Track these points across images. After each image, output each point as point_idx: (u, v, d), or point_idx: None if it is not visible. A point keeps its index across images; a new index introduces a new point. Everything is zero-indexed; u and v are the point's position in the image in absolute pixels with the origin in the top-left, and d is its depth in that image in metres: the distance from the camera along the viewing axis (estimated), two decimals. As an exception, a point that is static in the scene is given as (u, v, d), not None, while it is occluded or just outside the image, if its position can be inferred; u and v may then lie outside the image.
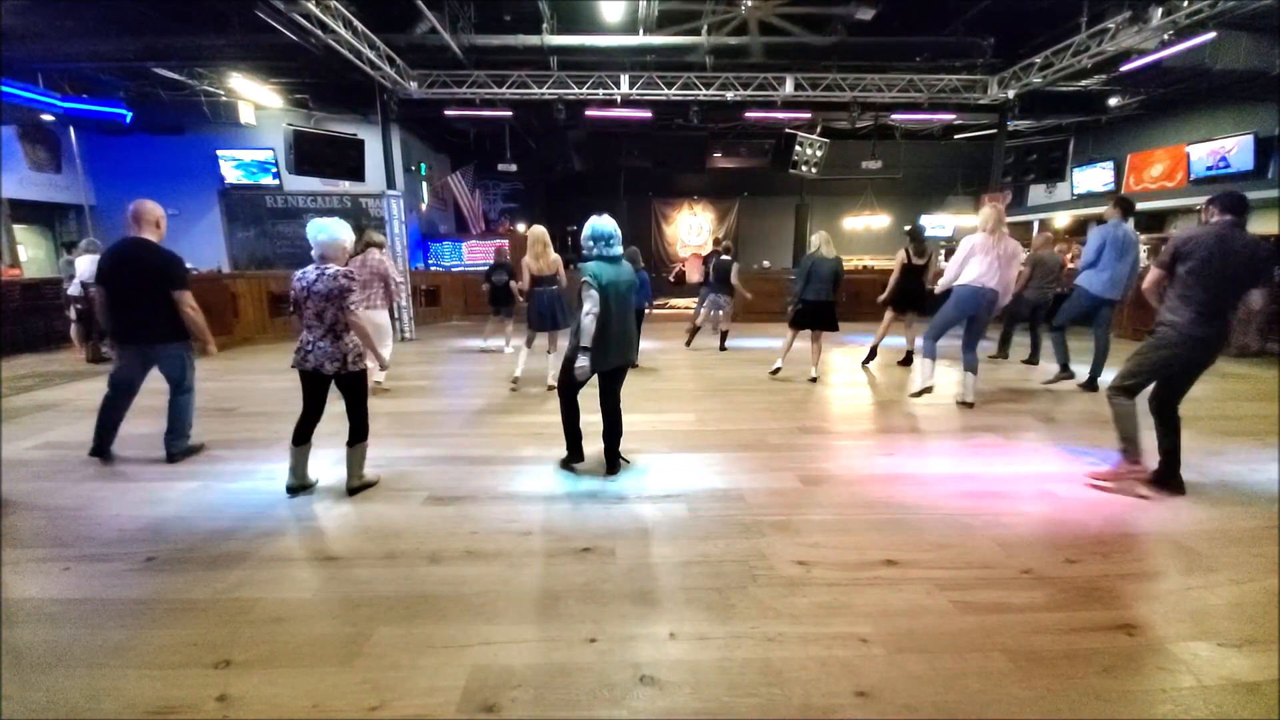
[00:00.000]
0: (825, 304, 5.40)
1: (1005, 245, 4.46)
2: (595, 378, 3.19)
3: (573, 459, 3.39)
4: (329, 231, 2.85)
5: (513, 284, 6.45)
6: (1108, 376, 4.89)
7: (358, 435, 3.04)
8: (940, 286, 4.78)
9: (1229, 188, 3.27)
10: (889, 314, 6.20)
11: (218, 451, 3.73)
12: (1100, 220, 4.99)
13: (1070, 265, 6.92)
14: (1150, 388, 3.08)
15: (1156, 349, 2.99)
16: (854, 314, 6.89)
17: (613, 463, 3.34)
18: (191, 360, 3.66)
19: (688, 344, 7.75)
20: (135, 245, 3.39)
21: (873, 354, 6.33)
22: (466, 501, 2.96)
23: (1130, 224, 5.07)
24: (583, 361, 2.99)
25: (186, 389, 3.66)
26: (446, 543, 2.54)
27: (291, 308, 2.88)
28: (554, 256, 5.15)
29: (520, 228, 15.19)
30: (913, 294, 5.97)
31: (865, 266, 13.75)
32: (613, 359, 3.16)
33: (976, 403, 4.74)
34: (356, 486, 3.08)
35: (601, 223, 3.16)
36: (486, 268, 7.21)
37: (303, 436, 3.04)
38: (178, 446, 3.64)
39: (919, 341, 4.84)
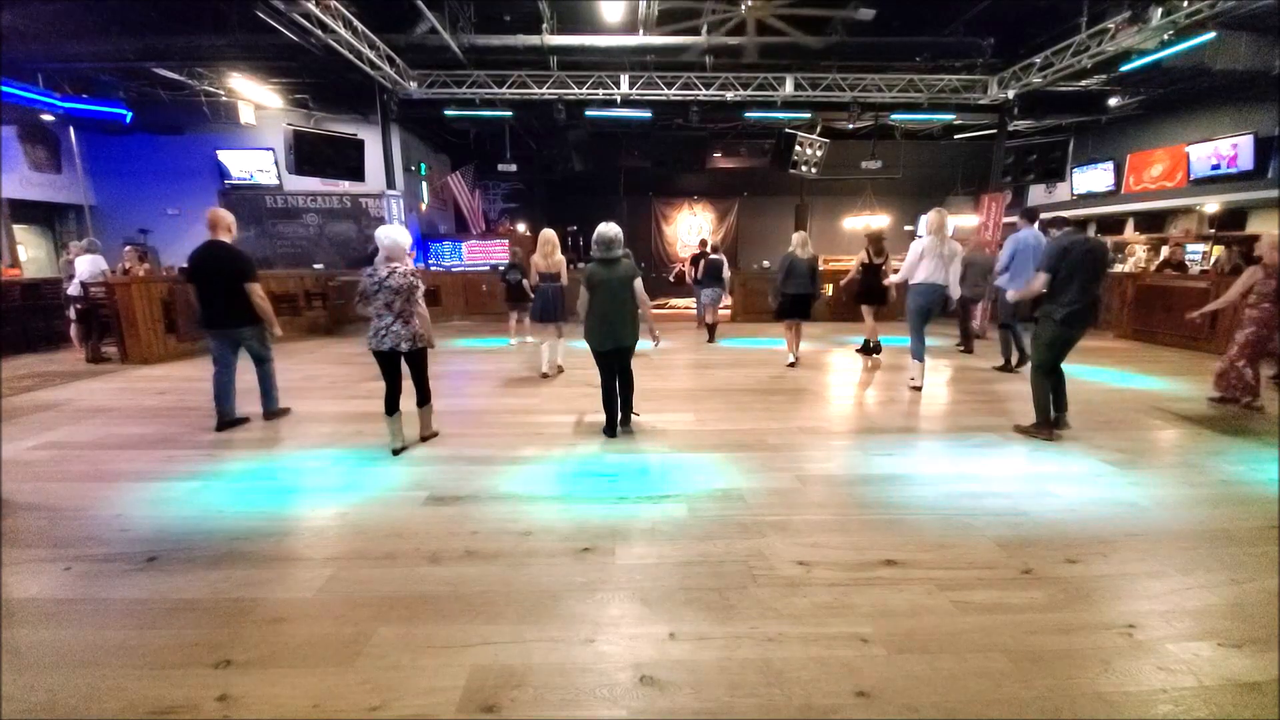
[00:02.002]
0: (804, 296, 6.10)
1: (948, 246, 5.03)
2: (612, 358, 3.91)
3: (609, 429, 4.02)
4: (394, 237, 3.50)
5: (525, 282, 7.02)
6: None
7: (424, 399, 3.79)
8: (894, 280, 5.36)
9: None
10: (864, 308, 6.80)
11: (219, 451, 3.73)
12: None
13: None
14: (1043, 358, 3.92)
15: (1054, 333, 3.79)
16: (856, 313, 7.11)
17: (625, 419, 4.09)
18: (266, 338, 4.33)
19: (709, 339, 8.29)
20: (214, 247, 4.08)
21: (876, 348, 6.77)
22: (467, 501, 2.96)
23: (1036, 229, 5.68)
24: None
25: (267, 360, 4.37)
26: (447, 543, 2.54)
27: (358, 298, 3.51)
28: (559, 258, 5.76)
29: (520, 228, 15.22)
30: (873, 290, 6.57)
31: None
32: (605, 340, 3.82)
33: (975, 402, 4.82)
34: (427, 436, 3.87)
35: (602, 229, 3.79)
36: (503, 267, 7.82)
37: (391, 408, 3.63)
38: (270, 408, 4.41)
39: (914, 347, 5.29)
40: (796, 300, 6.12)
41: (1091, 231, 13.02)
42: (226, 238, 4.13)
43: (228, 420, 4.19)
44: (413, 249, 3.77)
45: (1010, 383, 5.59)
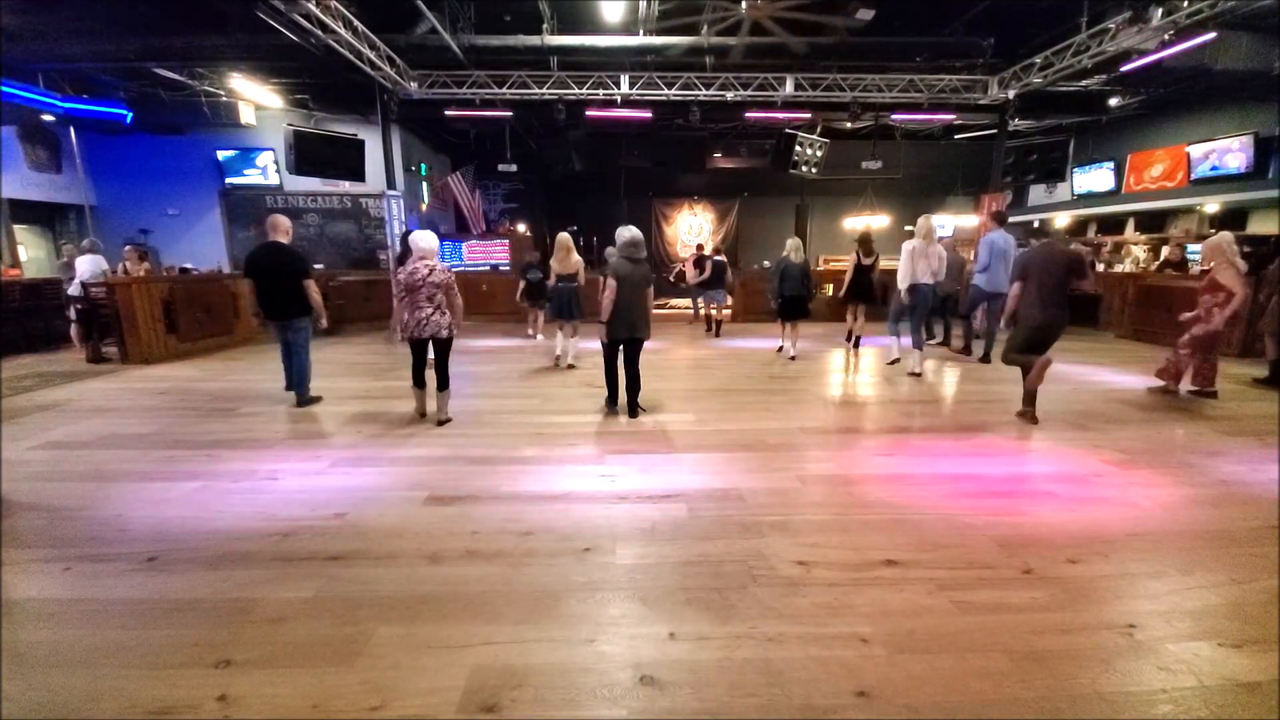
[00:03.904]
0: (799, 298, 6.60)
1: (933, 249, 5.67)
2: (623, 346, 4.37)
3: (611, 402, 4.56)
4: (427, 240, 4.15)
5: (545, 281, 7.38)
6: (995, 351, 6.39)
7: (443, 384, 4.23)
8: (902, 285, 5.79)
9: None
10: (850, 309, 7.36)
11: (219, 451, 3.73)
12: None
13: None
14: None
15: (1025, 332, 4.24)
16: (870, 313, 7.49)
17: (633, 410, 4.44)
18: (310, 332, 4.78)
19: (714, 334, 8.83)
20: (272, 247, 4.54)
21: (856, 342, 7.39)
22: (467, 501, 2.96)
23: (1004, 232, 6.47)
24: (603, 330, 4.28)
25: (304, 353, 4.77)
26: (447, 543, 2.54)
27: (403, 293, 4.03)
28: (576, 259, 6.20)
29: (521, 228, 15.22)
30: (862, 288, 6.98)
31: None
32: (624, 330, 4.25)
33: (973, 402, 4.81)
34: (444, 420, 4.24)
35: (631, 233, 4.26)
36: (523, 266, 8.19)
37: (418, 381, 4.29)
38: (304, 393, 4.80)
39: (893, 339, 6.21)
40: (792, 301, 6.61)
41: (1092, 232, 13.04)
42: (284, 239, 4.60)
43: (305, 400, 4.80)
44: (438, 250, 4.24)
45: (1006, 382, 5.57)
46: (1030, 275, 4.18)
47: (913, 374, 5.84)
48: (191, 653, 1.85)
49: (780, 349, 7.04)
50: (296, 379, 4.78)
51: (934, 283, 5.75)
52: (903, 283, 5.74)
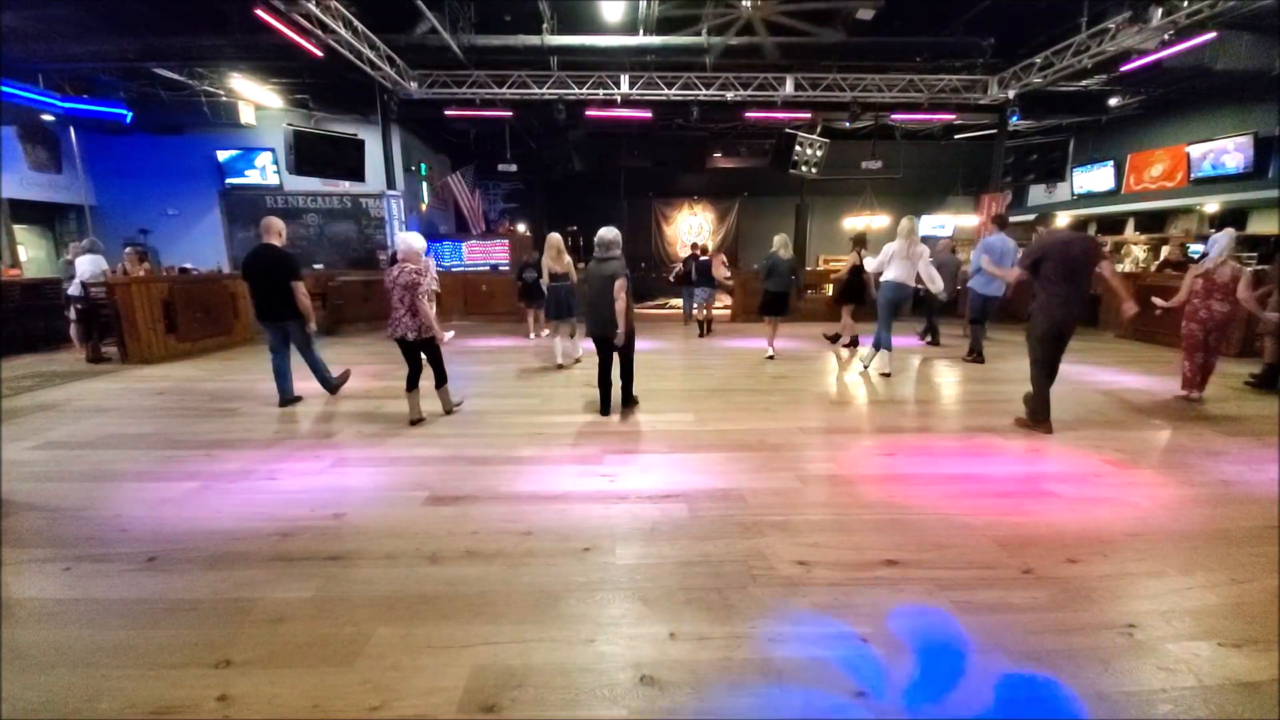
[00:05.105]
0: (783, 294, 6.59)
1: (915, 249, 5.58)
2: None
3: (602, 410, 4.49)
4: (408, 242, 4.15)
5: (540, 281, 7.39)
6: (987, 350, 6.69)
7: (440, 380, 4.36)
8: (870, 270, 5.94)
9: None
10: (844, 310, 7.37)
11: (218, 451, 3.73)
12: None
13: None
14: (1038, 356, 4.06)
15: (1045, 327, 3.89)
16: (861, 314, 7.44)
17: (625, 401, 4.58)
18: (303, 332, 4.75)
19: (706, 334, 8.79)
20: (265, 249, 4.57)
21: (854, 343, 7.35)
22: (467, 502, 2.96)
23: (1004, 235, 6.51)
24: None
25: (310, 349, 4.83)
26: (447, 543, 2.54)
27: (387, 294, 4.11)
28: (568, 260, 6.25)
29: (521, 228, 15.23)
30: (856, 289, 7.05)
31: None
32: (590, 327, 4.37)
33: (974, 402, 4.83)
34: (450, 410, 4.48)
35: (600, 232, 4.30)
36: (520, 266, 8.24)
37: (411, 385, 4.26)
38: (329, 384, 4.95)
39: (880, 337, 5.92)
40: (776, 297, 6.59)
41: (1092, 232, 13.04)
42: (277, 241, 4.62)
43: (287, 399, 4.78)
44: (429, 253, 4.14)
45: (1007, 382, 5.58)
46: (1052, 264, 3.77)
47: (881, 374, 5.84)
48: (191, 653, 1.85)
49: (771, 357, 6.79)
50: (316, 372, 4.88)
51: (917, 286, 5.72)
52: (870, 269, 5.89)
